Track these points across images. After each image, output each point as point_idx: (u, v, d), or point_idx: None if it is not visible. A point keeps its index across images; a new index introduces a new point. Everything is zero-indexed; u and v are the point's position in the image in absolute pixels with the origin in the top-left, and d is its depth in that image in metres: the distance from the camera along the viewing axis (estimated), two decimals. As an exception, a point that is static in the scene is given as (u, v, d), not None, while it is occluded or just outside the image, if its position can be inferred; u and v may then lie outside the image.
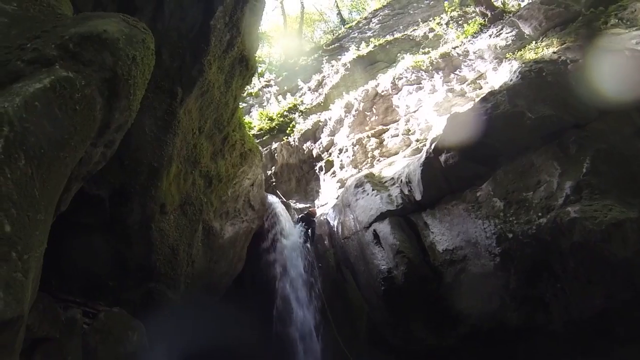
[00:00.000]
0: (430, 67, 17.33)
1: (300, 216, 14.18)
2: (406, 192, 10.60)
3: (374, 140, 16.43)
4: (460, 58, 16.72)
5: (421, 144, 13.88)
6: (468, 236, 8.79)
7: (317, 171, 18.31)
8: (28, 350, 5.62)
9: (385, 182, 11.79)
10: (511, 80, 9.17)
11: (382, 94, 18.05)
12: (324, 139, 18.87)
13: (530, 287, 7.72)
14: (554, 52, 9.38)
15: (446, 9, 22.74)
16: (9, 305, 3.43)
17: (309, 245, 13.21)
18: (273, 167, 19.34)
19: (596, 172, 7.44)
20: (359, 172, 14.96)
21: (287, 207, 15.38)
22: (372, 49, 23.68)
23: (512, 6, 17.30)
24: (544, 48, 11.76)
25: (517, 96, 8.73)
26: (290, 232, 13.47)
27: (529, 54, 12.23)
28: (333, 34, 34.80)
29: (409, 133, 15.79)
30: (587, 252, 6.85)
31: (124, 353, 6.94)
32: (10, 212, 3.44)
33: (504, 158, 8.69)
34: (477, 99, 9.99)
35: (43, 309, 5.74)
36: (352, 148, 16.74)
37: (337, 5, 41.12)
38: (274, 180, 18.98)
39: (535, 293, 7.67)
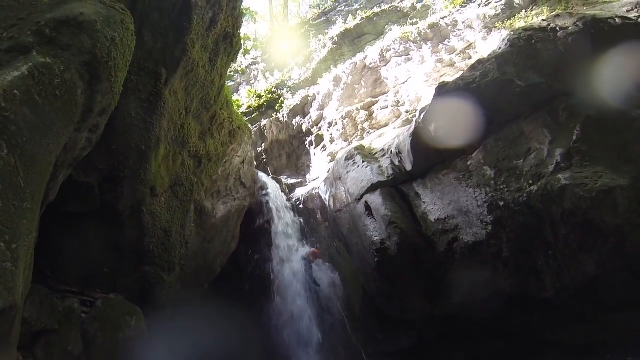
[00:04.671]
0: (419, 38, 17.16)
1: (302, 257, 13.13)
2: (397, 162, 10.59)
3: (363, 113, 16.37)
4: (449, 28, 16.55)
5: (411, 115, 13.83)
6: (459, 205, 8.83)
7: (307, 146, 18.28)
8: (29, 344, 5.65)
9: (376, 153, 11.77)
10: (500, 48, 9.08)
11: (371, 66, 17.90)
12: (314, 113, 18.78)
13: (523, 255, 7.80)
14: (544, 20, 9.26)
15: (433, -23, 22.38)
16: (0, 296, 3.41)
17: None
18: (263, 144, 19.27)
19: (587, 140, 7.44)
20: (349, 145, 14.93)
21: (279, 183, 15.38)
22: (359, 22, 23.34)
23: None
24: (534, 17, 11.68)
25: (506, 64, 8.66)
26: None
27: (519, 23, 12.14)
28: (319, 8, 34.25)
29: (399, 104, 15.72)
30: (578, 219, 6.90)
31: (123, 338, 6.95)
32: (-5, 203, 3.41)
33: (494, 126, 8.67)
34: (466, 69, 9.92)
35: (40, 300, 5.72)
36: (342, 121, 16.68)
37: (322, -23, 40.40)
38: (264, 157, 18.92)
39: (527, 261, 7.75)
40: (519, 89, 8.37)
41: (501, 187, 8.08)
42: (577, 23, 8.51)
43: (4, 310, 3.45)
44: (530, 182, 7.64)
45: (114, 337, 6.84)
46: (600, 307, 7.22)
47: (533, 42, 8.73)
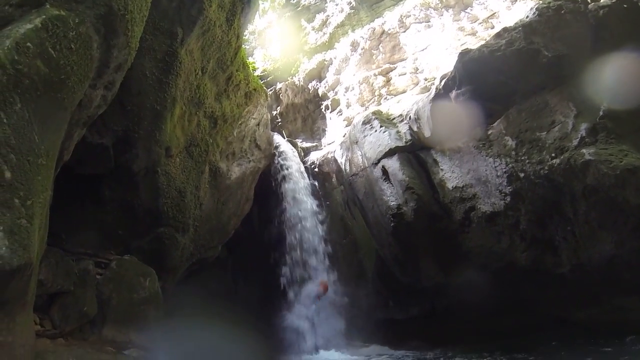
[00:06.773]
0: (440, 5, 16.63)
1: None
2: (415, 128, 10.38)
3: (380, 79, 16.04)
4: (472, -5, 16.01)
5: (430, 82, 13.51)
6: (478, 174, 8.69)
7: (323, 110, 18.05)
8: (45, 306, 5.77)
9: (394, 119, 11.57)
10: (527, 17, 8.71)
11: (389, 32, 17.45)
12: (330, 77, 18.47)
13: (540, 229, 7.69)
14: (575, -9, 8.88)
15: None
16: (15, 253, 3.37)
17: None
18: (278, 108, 19.09)
19: (613, 116, 7.18)
20: (365, 110, 14.70)
21: (294, 145, 15.30)
22: (379, -14, 22.70)
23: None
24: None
25: (533, 33, 8.33)
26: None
27: (547, -6, 11.65)
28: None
29: (417, 72, 15.36)
30: (600, 197, 6.75)
31: (137, 299, 7.07)
32: (9, 158, 3.34)
33: (518, 96, 8.40)
34: (490, 37, 9.59)
35: (55, 263, 5.80)
36: (359, 86, 16.38)
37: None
38: (279, 120, 18.78)
39: (544, 235, 7.64)
40: (546, 59, 8.06)
41: (522, 158, 7.90)
42: (610, -3, 8.14)
43: (19, 268, 3.41)
44: (553, 155, 7.45)
45: (128, 298, 6.95)
46: (616, 288, 7.10)
47: (562, 12, 8.36)
